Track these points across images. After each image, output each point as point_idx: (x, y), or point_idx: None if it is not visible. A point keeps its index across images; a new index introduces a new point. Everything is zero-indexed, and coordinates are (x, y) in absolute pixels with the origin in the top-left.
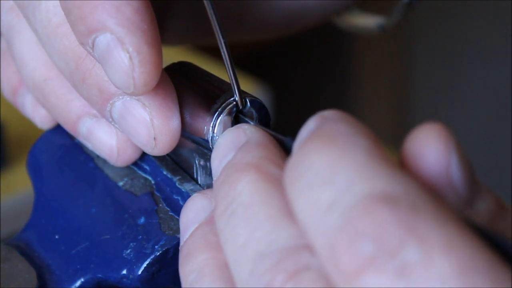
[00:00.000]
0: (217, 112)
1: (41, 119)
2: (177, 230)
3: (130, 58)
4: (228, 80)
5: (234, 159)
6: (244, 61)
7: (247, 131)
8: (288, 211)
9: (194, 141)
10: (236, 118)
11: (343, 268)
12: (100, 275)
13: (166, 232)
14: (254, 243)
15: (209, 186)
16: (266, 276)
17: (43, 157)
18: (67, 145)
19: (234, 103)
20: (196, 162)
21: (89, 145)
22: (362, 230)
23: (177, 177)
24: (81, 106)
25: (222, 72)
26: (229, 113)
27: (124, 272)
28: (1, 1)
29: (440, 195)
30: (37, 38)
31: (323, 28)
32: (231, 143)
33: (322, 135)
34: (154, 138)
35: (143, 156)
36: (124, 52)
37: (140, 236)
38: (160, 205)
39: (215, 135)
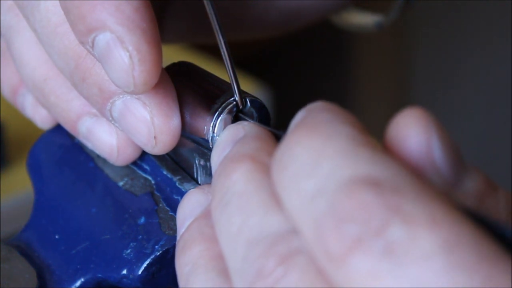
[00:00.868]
0: (217, 112)
1: (42, 119)
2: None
3: (130, 57)
4: (228, 80)
5: (230, 152)
6: (244, 61)
7: (246, 127)
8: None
9: (194, 141)
10: (236, 118)
11: (330, 252)
12: (100, 275)
13: (166, 232)
14: (247, 231)
15: None
16: (258, 261)
17: (43, 157)
18: (67, 145)
19: (234, 103)
20: (196, 162)
21: (89, 144)
22: (347, 213)
23: (177, 177)
24: (81, 105)
25: (222, 72)
26: (229, 113)
27: (124, 272)
28: (1, 1)
29: (424, 177)
30: (36, 38)
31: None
32: (229, 138)
33: (305, 125)
34: (155, 137)
35: (143, 156)
36: (124, 51)
37: (140, 236)
38: (160, 205)
39: (215, 135)
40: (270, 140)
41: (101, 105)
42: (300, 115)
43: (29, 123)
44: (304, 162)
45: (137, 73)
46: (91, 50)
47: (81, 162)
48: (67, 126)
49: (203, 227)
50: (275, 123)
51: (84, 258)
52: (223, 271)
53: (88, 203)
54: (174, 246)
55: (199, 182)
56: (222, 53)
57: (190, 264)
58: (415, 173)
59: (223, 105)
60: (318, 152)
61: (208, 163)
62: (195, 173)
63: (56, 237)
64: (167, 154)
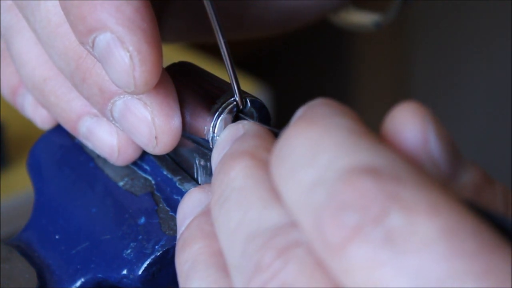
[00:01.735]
0: (218, 112)
1: (42, 119)
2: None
3: (131, 57)
4: (228, 80)
5: (230, 150)
6: (244, 61)
7: (246, 126)
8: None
9: (194, 141)
10: (237, 118)
11: (329, 241)
12: (100, 275)
13: (167, 232)
14: (246, 225)
15: None
16: (256, 255)
17: (43, 157)
18: (67, 145)
19: (235, 103)
20: (197, 162)
21: (90, 144)
22: (346, 202)
23: (178, 177)
24: (81, 105)
25: (222, 72)
26: (230, 113)
27: (125, 272)
28: (0, 1)
29: (422, 167)
30: (36, 38)
31: (323, 28)
32: (229, 137)
33: (304, 118)
34: (155, 137)
35: (144, 156)
36: (125, 51)
37: (141, 236)
38: (161, 205)
39: (215, 135)
40: (269, 138)
41: (102, 105)
42: (300, 111)
43: (29, 123)
44: (302, 153)
45: (137, 73)
46: (91, 50)
47: (81, 162)
48: (67, 126)
49: (203, 224)
50: (275, 123)
51: (84, 258)
52: (223, 267)
53: (88, 203)
54: (174, 246)
55: (200, 182)
56: (222, 53)
57: (190, 261)
58: (414, 163)
59: (223, 105)
60: (317, 143)
61: (208, 163)
62: (195, 173)
63: (56, 237)
64: (167, 154)
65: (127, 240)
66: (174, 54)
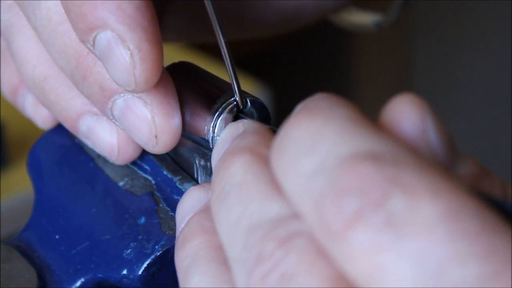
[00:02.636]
0: (218, 112)
1: (42, 119)
2: None
3: (131, 55)
4: (228, 80)
5: (230, 147)
6: (244, 61)
7: (245, 124)
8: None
9: (194, 141)
10: (237, 118)
11: (330, 227)
12: (100, 275)
13: (167, 232)
14: (246, 218)
15: None
16: (257, 246)
17: (43, 157)
18: (67, 145)
19: (235, 103)
20: (197, 162)
21: (90, 143)
22: (347, 187)
23: (178, 177)
24: (81, 104)
25: (222, 72)
26: (230, 113)
27: (125, 272)
28: (1, 0)
29: (421, 153)
30: (37, 36)
31: (323, 28)
32: (229, 135)
33: (304, 111)
34: (155, 136)
35: (143, 156)
36: (125, 49)
37: (141, 236)
38: (161, 205)
39: (215, 135)
40: (269, 135)
41: (102, 104)
42: (299, 105)
43: (29, 123)
44: (302, 143)
45: (138, 72)
46: (92, 48)
47: (81, 162)
48: (68, 125)
49: (203, 220)
50: (275, 123)
51: (84, 258)
52: (224, 262)
53: (88, 203)
54: (174, 246)
55: (200, 182)
56: (223, 53)
57: (190, 257)
58: (413, 149)
59: (224, 105)
60: (317, 132)
61: (208, 163)
62: (195, 173)
63: (56, 237)
64: (167, 154)
65: (127, 240)
66: (174, 54)
